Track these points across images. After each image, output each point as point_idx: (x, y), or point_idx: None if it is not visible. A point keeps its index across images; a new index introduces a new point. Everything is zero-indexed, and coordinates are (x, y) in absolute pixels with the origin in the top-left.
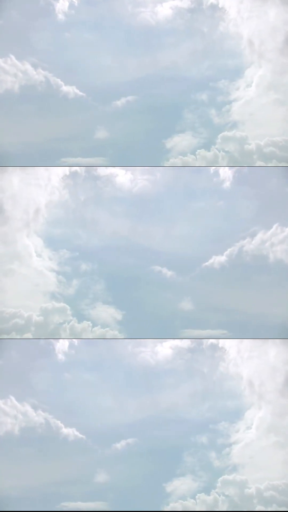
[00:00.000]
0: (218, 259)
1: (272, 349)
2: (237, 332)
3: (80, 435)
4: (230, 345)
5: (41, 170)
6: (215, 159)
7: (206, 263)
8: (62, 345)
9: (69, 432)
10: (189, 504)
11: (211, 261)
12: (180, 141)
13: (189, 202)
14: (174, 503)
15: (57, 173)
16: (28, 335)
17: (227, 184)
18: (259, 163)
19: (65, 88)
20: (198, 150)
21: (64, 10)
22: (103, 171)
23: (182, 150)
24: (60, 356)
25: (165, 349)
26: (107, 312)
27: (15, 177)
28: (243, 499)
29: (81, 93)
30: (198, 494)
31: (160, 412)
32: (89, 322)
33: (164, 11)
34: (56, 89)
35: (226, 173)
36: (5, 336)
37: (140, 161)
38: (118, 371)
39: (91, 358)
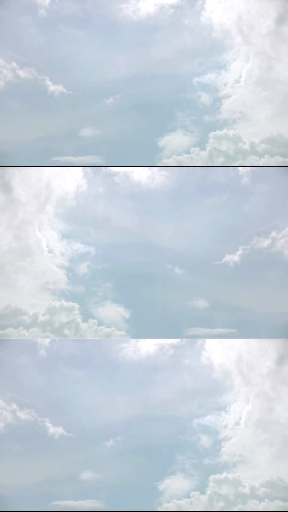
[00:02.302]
0: (231, 258)
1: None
2: (246, 331)
3: (69, 434)
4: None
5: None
6: (210, 157)
7: (218, 262)
8: (44, 341)
9: (57, 430)
10: (182, 503)
11: (223, 259)
12: (173, 139)
13: (202, 200)
14: (167, 503)
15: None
16: (34, 333)
17: (241, 182)
18: (252, 157)
19: (53, 87)
20: (193, 149)
21: (46, 5)
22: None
23: (176, 149)
24: (46, 353)
25: (147, 344)
26: (115, 311)
27: (31, 171)
28: (235, 495)
29: (69, 92)
30: (192, 492)
31: (146, 409)
32: (95, 321)
33: (147, 6)
34: (44, 87)
35: (240, 170)
36: (12, 331)
37: (132, 160)
38: (103, 367)
39: (77, 354)
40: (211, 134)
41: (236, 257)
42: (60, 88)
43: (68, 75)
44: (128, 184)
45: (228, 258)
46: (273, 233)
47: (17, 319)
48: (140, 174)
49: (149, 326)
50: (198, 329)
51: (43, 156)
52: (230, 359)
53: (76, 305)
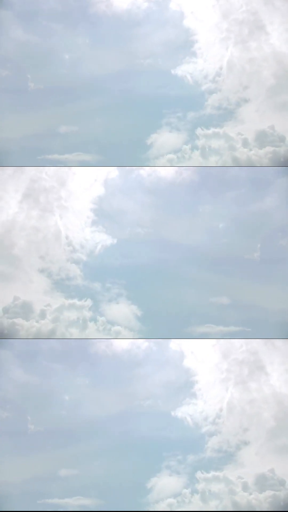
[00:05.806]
0: (249, 255)
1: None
2: (261, 330)
3: (50, 431)
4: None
5: None
6: (203, 155)
7: (236, 259)
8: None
9: (40, 428)
10: (172, 501)
11: (241, 256)
12: (164, 137)
13: (221, 195)
14: (156, 503)
15: None
16: (39, 328)
17: (260, 178)
18: (242, 149)
19: (35, 84)
20: (185, 146)
21: None
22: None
23: (164, 147)
24: (25, 348)
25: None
26: (129, 309)
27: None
28: (225, 491)
29: (48, 88)
30: (184, 490)
31: (129, 404)
32: (103, 319)
33: (118, 1)
34: (25, 84)
35: (259, 167)
36: (18, 327)
37: (122, 159)
38: (81, 361)
39: (56, 348)
40: (198, 130)
41: (254, 254)
42: (42, 85)
43: (51, 71)
44: (154, 177)
45: (246, 255)
46: None
47: (26, 315)
48: (167, 169)
49: (162, 324)
50: (211, 326)
51: (28, 154)
52: (206, 346)
53: (89, 303)
